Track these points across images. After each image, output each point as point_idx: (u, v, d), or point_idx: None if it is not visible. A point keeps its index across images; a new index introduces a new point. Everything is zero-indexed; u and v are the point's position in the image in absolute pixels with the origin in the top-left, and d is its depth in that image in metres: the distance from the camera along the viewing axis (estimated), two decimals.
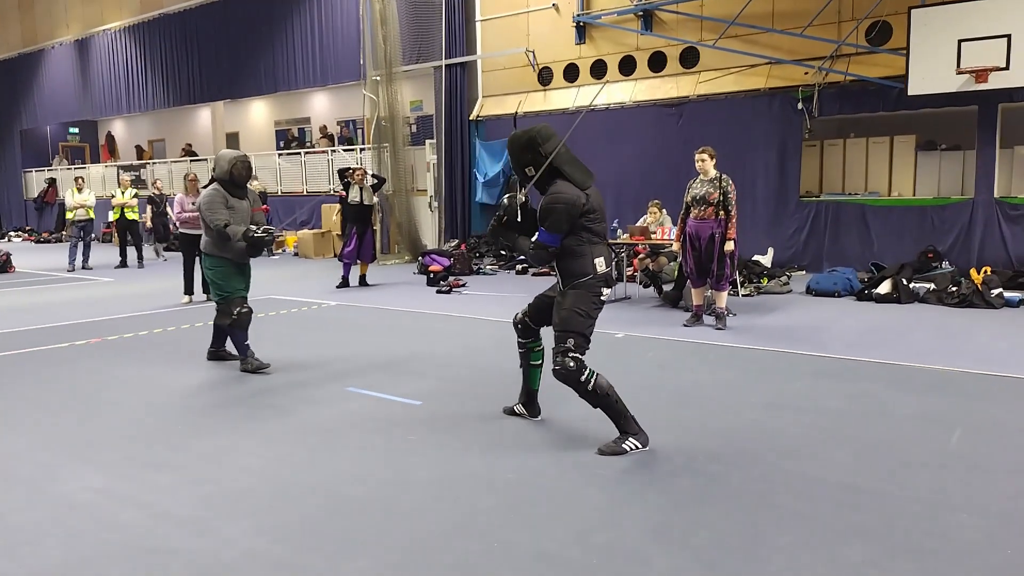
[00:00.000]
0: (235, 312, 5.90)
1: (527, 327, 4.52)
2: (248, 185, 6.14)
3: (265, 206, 11.11)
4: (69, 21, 23.74)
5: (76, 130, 26.41)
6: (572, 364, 3.99)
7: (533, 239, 4.11)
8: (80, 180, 14.73)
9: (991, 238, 9.96)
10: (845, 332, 7.12)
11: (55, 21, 24.18)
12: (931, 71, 9.50)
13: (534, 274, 12.11)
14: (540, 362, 4.58)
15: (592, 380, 4.03)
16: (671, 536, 3.08)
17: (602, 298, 4.12)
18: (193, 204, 9.55)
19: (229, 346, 6.32)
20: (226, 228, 5.75)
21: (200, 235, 9.42)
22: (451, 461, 3.96)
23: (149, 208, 15.75)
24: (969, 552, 2.92)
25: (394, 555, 2.97)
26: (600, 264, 4.08)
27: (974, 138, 10.26)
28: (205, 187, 6.08)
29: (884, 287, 8.85)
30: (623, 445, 4.03)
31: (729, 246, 7.22)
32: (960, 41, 9.24)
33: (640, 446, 4.05)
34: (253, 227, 5.83)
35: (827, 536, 3.05)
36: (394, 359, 6.29)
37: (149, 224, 15.91)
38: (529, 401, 4.65)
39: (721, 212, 7.20)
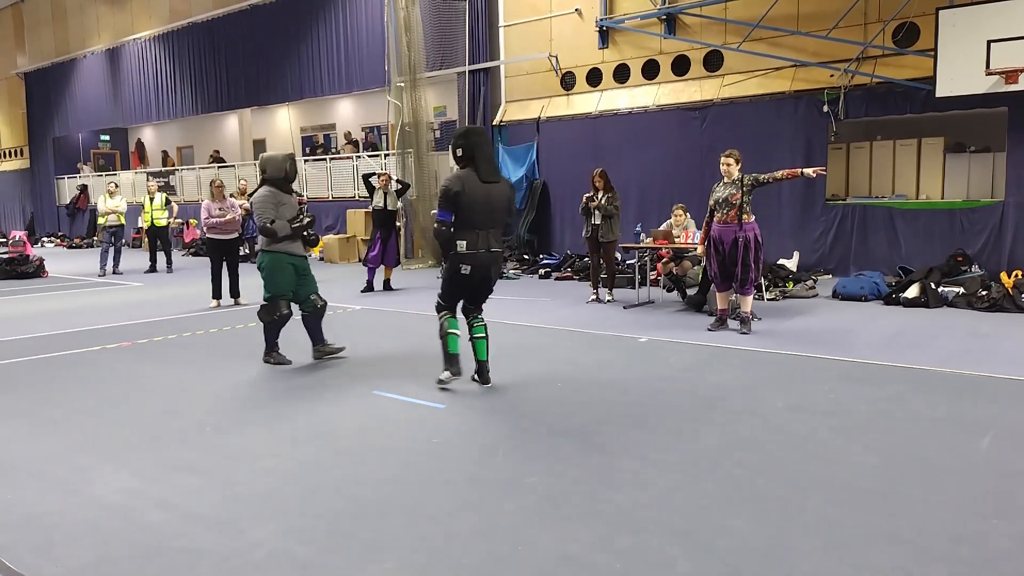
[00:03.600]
0: (276, 314, 6.26)
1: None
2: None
3: (301, 197, 11.23)
4: (100, 31, 24.20)
5: (107, 137, 26.90)
6: (436, 309, 5.50)
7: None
8: (112, 186, 15.00)
9: (1022, 241, 9.79)
10: (872, 336, 7.05)
11: (87, 31, 24.66)
12: (959, 72, 9.36)
13: (557, 278, 12.12)
14: (482, 336, 5.49)
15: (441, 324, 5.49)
16: (695, 540, 3.07)
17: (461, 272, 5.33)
18: (220, 210, 9.70)
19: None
20: (272, 225, 6.12)
21: (227, 240, 9.73)
22: (475, 464, 3.98)
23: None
24: (1001, 559, 2.88)
25: (419, 557, 2.99)
26: (461, 246, 5.26)
27: (1004, 140, 10.10)
28: (253, 192, 6.37)
29: (912, 291, 8.74)
30: (441, 376, 5.44)
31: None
32: (989, 42, 9.10)
33: (451, 376, 5.42)
34: (297, 221, 6.23)
35: (855, 542, 3.03)
36: (418, 363, 6.32)
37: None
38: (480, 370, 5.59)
39: (744, 216, 7.17)
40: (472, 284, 5.43)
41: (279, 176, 6.23)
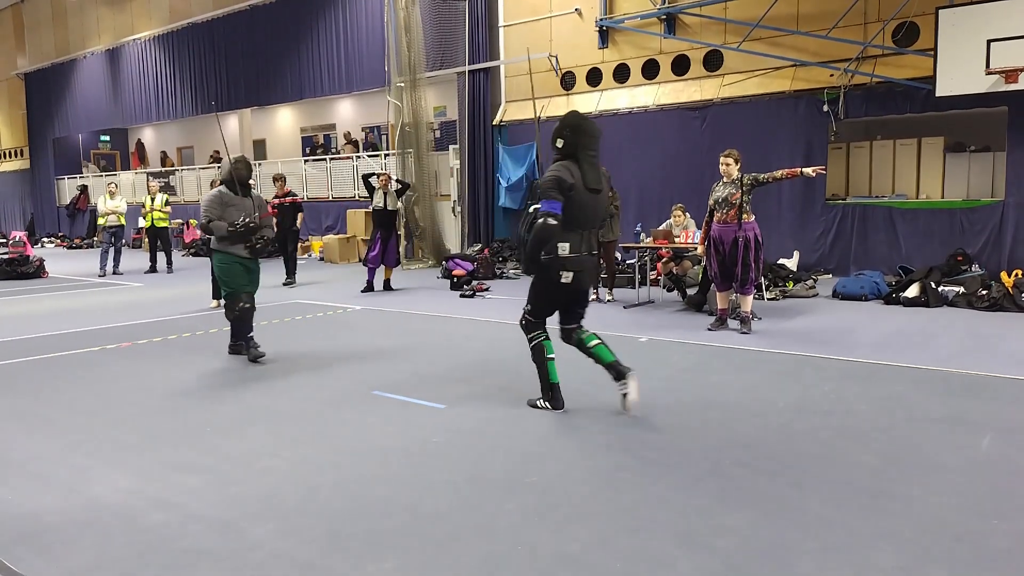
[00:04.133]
0: (237, 308, 6.41)
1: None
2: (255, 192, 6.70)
3: (273, 210, 11.06)
4: (100, 31, 24.20)
5: (107, 138, 26.90)
6: (524, 326, 4.84)
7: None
8: (112, 187, 15.00)
9: (1022, 241, 9.79)
10: (872, 336, 7.05)
11: (87, 31, 24.66)
12: (959, 72, 9.37)
13: None
14: (597, 341, 4.81)
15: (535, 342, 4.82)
16: (696, 540, 3.07)
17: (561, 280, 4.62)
18: None
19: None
20: (208, 224, 6.29)
21: None
22: (475, 464, 3.98)
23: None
24: (1002, 559, 2.88)
25: (419, 556, 2.99)
26: (564, 248, 4.56)
27: (1004, 139, 10.10)
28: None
29: (912, 291, 8.74)
30: (536, 401, 4.90)
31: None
32: (989, 41, 9.11)
33: (548, 407, 4.83)
34: (236, 222, 6.28)
35: (856, 541, 3.03)
36: (418, 363, 6.33)
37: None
38: (618, 375, 4.75)
39: (744, 215, 7.17)
40: (570, 295, 4.73)
41: (228, 179, 6.47)
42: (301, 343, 7.23)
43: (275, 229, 12.36)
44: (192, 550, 3.08)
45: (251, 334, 6.54)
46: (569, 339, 4.89)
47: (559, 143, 4.63)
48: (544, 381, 4.84)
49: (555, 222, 4.46)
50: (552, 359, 4.82)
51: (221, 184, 6.55)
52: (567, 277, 4.58)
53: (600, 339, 4.82)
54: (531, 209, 4.61)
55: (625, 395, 4.68)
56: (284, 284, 11.84)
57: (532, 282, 4.84)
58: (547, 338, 4.82)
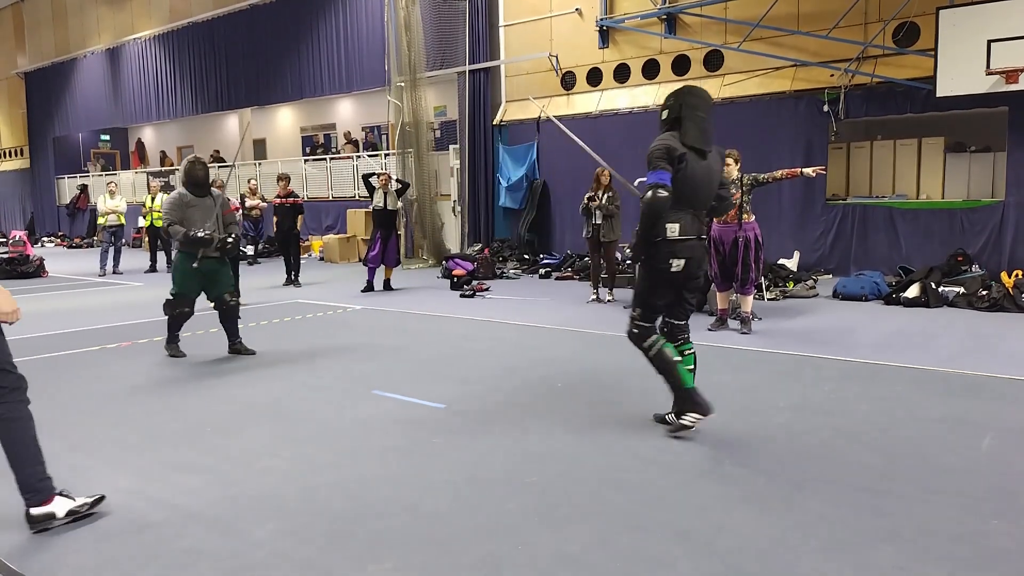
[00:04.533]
0: (175, 311, 6.59)
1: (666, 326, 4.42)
2: (215, 189, 6.91)
3: (235, 205, 10.86)
4: (100, 31, 24.20)
5: (107, 137, 26.90)
6: (635, 336, 4.29)
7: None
8: (112, 186, 15.00)
9: (1023, 241, 9.79)
10: (872, 336, 7.04)
11: (87, 31, 24.66)
12: (960, 72, 9.36)
13: (558, 278, 12.11)
14: (692, 367, 4.35)
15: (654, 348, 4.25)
16: (695, 540, 3.07)
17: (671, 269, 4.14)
18: None
19: (246, 341, 6.83)
20: (168, 227, 6.46)
21: None
22: (475, 464, 3.98)
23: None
24: (1002, 559, 2.88)
25: (419, 556, 2.99)
26: (673, 230, 4.11)
27: (1004, 139, 10.10)
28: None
29: (912, 291, 8.74)
30: (670, 416, 4.35)
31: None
32: (990, 41, 9.11)
33: (697, 417, 4.21)
34: (195, 230, 6.38)
35: (855, 541, 3.03)
36: (418, 363, 6.33)
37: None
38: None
39: (744, 216, 7.17)
40: (678, 285, 4.23)
41: (184, 179, 6.64)
42: (301, 342, 7.23)
43: (277, 229, 12.45)
44: (192, 550, 3.08)
45: (177, 332, 6.72)
46: (672, 339, 4.35)
47: (664, 114, 4.24)
48: (679, 389, 4.20)
49: (666, 194, 3.98)
50: (679, 361, 4.22)
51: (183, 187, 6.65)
52: (678, 265, 4.08)
53: (694, 367, 4.38)
54: (642, 181, 4.21)
55: (667, 420, 4.39)
56: (285, 284, 11.84)
57: (637, 280, 4.32)
58: (666, 340, 4.26)
